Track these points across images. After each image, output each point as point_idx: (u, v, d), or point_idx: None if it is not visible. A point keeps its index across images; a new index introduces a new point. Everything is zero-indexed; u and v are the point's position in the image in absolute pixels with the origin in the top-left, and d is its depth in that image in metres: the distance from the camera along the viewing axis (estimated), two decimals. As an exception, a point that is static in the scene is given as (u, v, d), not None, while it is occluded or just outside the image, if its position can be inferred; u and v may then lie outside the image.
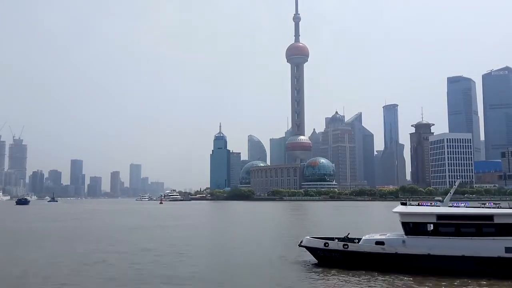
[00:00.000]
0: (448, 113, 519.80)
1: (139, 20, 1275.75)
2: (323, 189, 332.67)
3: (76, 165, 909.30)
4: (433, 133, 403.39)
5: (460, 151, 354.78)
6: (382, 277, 25.66)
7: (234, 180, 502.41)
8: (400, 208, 28.95)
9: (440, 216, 27.34)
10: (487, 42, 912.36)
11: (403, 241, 27.55)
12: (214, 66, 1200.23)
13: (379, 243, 27.94)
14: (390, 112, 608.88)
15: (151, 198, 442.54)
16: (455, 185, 34.99)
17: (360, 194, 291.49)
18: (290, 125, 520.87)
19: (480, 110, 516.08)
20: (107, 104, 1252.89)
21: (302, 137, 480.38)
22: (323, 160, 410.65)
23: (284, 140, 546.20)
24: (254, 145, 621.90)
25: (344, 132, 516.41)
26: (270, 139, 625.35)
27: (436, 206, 29.27)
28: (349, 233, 31.37)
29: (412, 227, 27.80)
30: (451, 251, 26.19)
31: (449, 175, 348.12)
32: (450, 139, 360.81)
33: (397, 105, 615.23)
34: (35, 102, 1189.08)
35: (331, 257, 29.16)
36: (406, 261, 26.81)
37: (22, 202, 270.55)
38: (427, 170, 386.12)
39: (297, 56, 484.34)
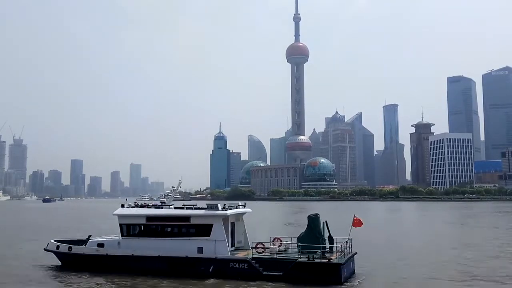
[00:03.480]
0: (448, 113, 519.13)
1: (151, 30, 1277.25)
2: (323, 189, 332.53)
3: (76, 165, 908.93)
4: (433, 133, 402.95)
5: (460, 151, 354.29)
6: (91, 279, 26.41)
7: (234, 180, 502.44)
8: (118, 210, 29.24)
9: (148, 218, 28.28)
10: (487, 42, 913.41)
11: (119, 243, 28.43)
12: (214, 66, 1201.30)
13: (100, 245, 28.84)
14: (390, 112, 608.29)
15: (151, 198, 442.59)
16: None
17: (360, 194, 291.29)
18: (290, 125, 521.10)
19: (480, 110, 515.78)
20: (107, 104, 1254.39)
21: (302, 137, 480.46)
22: (323, 160, 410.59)
23: (284, 140, 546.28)
24: (254, 145, 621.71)
25: (344, 132, 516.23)
26: (270, 139, 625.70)
27: (156, 206, 29.79)
28: (90, 235, 31.51)
29: (127, 229, 28.60)
30: (148, 251, 27.18)
31: (449, 175, 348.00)
32: (450, 139, 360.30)
33: (397, 105, 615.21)
34: (35, 102, 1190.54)
35: (68, 260, 29.91)
36: (119, 263, 27.79)
37: (48, 200, 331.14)
38: (427, 170, 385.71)
39: (297, 56, 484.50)
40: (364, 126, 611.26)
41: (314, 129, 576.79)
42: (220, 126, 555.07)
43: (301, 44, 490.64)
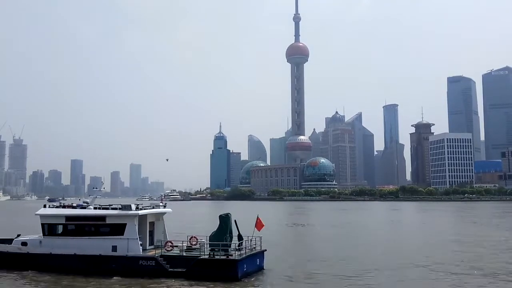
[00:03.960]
0: (448, 113, 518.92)
1: (151, 31, 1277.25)
2: (323, 189, 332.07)
3: (76, 165, 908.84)
4: (433, 133, 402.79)
5: (460, 151, 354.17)
6: (12, 277, 27.43)
7: (234, 180, 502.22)
8: (40, 211, 30.37)
9: (68, 218, 29.49)
10: (487, 42, 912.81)
11: (41, 242, 29.54)
12: (214, 66, 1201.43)
13: (24, 243, 29.92)
14: (390, 112, 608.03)
15: (151, 198, 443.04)
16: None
17: (360, 194, 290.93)
18: (290, 125, 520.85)
19: (480, 110, 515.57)
20: (107, 104, 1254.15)
21: (302, 137, 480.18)
22: (323, 160, 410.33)
23: (284, 140, 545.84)
24: (254, 145, 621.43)
25: (344, 132, 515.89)
26: (270, 139, 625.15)
27: (82, 207, 30.77)
28: (19, 234, 32.18)
29: (48, 228, 29.71)
30: (66, 250, 28.24)
31: (449, 175, 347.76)
32: (450, 139, 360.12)
33: (397, 105, 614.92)
34: (35, 102, 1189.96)
35: None
36: (39, 261, 28.79)
37: (53, 200, 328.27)
38: (427, 170, 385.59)
39: (297, 56, 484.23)
40: (364, 126, 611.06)
41: (314, 129, 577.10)
42: (220, 126, 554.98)
43: (301, 44, 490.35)
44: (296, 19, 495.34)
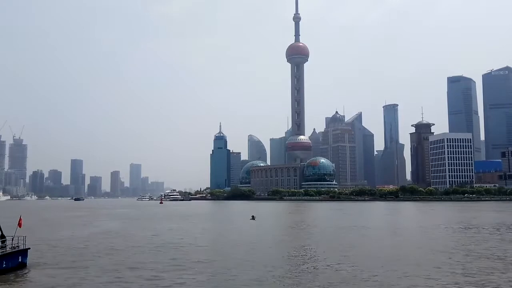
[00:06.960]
0: (448, 113, 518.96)
1: (152, 35, 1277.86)
2: (323, 189, 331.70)
3: (76, 165, 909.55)
4: (433, 133, 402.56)
5: (460, 151, 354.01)
6: None
7: (234, 180, 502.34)
8: None
9: None
10: (487, 42, 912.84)
11: None
12: (214, 66, 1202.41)
13: None
14: (390, 112, 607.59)
15: (151, 198, 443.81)
16: None
17: (360, 194, 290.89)
18: (290, 125, 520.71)
19: (480, 110, 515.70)
20: (107, 104, 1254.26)
21: (302, 137, 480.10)
22: (323, 160, 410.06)
23: (284, 140, 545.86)
24: (254, 145, 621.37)
25: (344, 132, 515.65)
26: (270, 139, 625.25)
27: None
28: None
29: None
30: None
31: (449, 175, 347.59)
32: (450, 139, 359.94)
33: (397, 105, 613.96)
34: (35, 102, 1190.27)
35: None
36: None
37: (78, 199, 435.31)
38: (427, 170, 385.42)
39: (297, 56, 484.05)
40: (364, 126, 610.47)
41: (314, 129, 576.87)
42: (220, 126, 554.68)
43: (301, 44, 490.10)
44: (296, 19, 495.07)
